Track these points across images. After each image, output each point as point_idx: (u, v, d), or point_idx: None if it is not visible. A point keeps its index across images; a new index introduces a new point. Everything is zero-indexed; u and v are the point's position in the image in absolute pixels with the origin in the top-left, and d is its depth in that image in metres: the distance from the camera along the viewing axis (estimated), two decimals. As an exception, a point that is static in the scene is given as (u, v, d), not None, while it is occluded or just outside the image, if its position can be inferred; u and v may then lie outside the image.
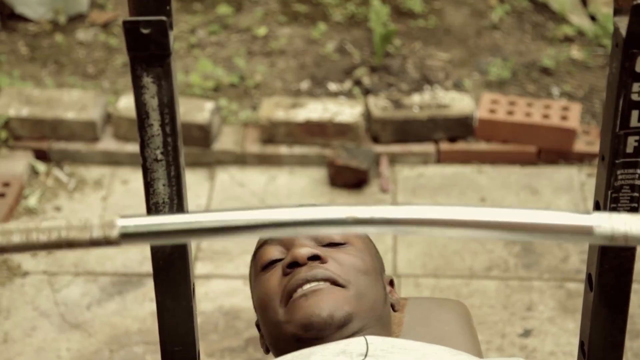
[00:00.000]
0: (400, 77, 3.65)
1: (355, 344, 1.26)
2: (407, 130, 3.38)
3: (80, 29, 3.98)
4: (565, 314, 2.80)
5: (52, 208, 3.20)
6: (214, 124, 3.36)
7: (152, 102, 1.07)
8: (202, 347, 2.70)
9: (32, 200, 3.20)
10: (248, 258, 3.00)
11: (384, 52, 3.72)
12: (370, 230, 0.91)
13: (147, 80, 1.05)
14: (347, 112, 3.36)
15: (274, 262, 1.37)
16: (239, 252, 3.02)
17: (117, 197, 3.25)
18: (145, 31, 1.01)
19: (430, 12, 4.05)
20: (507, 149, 3.37)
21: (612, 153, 1.13)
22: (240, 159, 3.37)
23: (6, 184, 3.19)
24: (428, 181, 3.32)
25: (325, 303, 1.28)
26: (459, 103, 3.40)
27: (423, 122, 3.37)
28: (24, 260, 2.99)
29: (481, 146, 3.38)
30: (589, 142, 3.38)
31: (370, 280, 1.36)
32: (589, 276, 1.25)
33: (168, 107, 1.08)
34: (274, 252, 1.38)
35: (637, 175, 1.14)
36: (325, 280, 1.31)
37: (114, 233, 0.89)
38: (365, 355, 1.24)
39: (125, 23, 1.01)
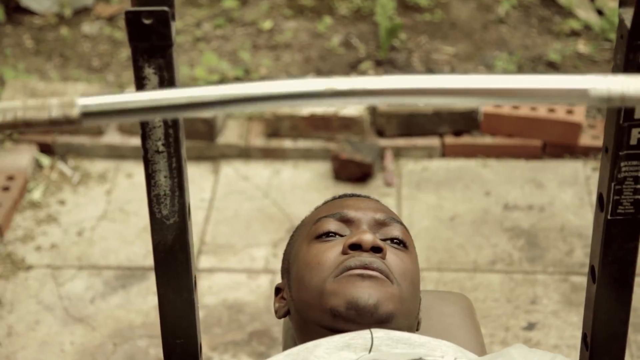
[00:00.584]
0: (406, 71, 3.65)
1: (360, 337, 1.25)
2: (412, 124, 3.37)
3: (86, 22, 3.98)
4: (569, 308, 2.80)
5: (57, 202, 3.20)
6: (219, 118, 3.36)
7: (154, 93, 1.07)
8: (206, 341, 2.69)
9: (36, 194, 3.20)
10: (252, 252, 3.01)
11: (389, 45, 3.71)
12: (351, 102, 0.86)
13: (149, 71, 1.05)
14: (352, 105, 3.35)
15: (329, 234, 1.39)
16: (243, 246, 3.02)
17: (121, 191, 3.25)
18: (147, 21, 1.01)
19: (437, 5, 4.04)
20: (512, 143, 3.36)
21: (616, 145, 1.13)
22: (245, 153, 3.37)
23: (10, 178, 3.19)
24: (433, 175, 3.31)
25: (376, 292, 1.30)
26: (464, 97, 3.39)
27: (428, 116, 3.36)
28: (28, 254, 2.99)
29: (486, 140, 3.37)
30: (594, 136, 3.37)
31: (415, 290, 1.39)
32: (592, 268, 1.25)
33: (169, 98, 1.07)
34: (333, 225, 1.40)
35: (640, 167, 1.14)
36: (381, 272, 1.32)
37: (75, 112, 0.84)
38: (370, 350, 1.23)
39: (127, 13, 1.00)
